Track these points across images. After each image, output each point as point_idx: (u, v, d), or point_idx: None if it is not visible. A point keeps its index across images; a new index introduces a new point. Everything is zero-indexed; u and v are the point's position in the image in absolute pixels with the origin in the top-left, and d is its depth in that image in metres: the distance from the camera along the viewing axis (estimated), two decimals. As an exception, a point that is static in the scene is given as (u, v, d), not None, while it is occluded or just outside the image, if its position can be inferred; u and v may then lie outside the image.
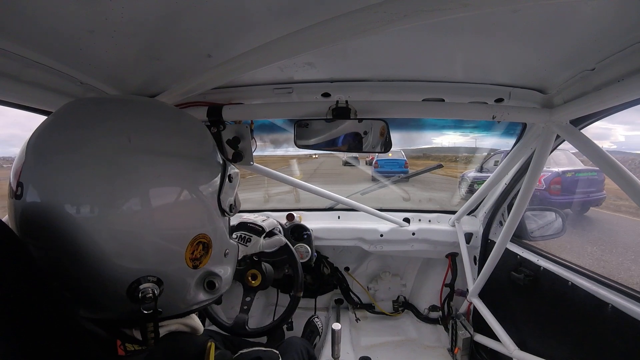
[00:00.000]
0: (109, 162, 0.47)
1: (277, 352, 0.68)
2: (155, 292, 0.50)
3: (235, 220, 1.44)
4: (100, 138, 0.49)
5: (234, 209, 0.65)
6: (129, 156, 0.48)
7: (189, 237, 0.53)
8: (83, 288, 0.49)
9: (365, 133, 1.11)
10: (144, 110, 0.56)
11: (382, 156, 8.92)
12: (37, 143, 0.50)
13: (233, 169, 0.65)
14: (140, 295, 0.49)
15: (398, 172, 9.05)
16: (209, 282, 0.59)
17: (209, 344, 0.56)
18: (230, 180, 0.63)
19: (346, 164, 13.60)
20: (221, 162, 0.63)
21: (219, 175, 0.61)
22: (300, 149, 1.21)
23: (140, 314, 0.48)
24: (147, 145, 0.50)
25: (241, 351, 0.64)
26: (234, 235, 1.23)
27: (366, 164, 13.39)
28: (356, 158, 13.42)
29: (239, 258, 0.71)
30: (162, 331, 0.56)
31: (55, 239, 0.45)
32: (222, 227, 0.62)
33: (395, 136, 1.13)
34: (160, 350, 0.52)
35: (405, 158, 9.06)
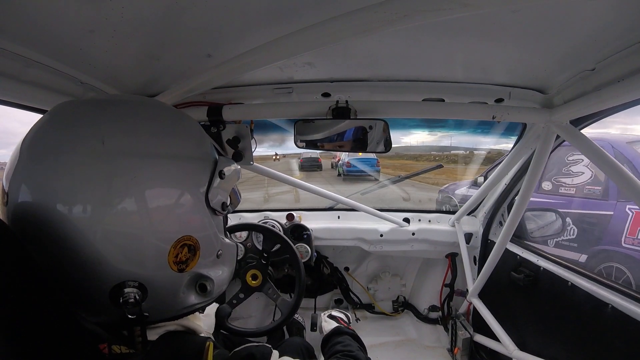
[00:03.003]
0: (83, 164, 0.47)
1: (270, 346, 0.67)
2: (137, 297, 0.48)
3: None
4: (76, 141, 0.48)
5: (227, 207, 0.61)
6: (104, 159, 0.47)
7: (171, 240, 0.51)
8: (71, 290, 0.49)
9: (370, 128, 1.09)
10: (122, 111, 0.54)
11: (353, 155, 8.92)
12: (29, 144, 0.49)
13: (227, 165, 0.61)
14: (122, 300, 0.47)
15: (370, 170, 9.13)
16: (201, 285, 0.57)
17: (208, 343, 0.55)
18: (221, 177, 0.59)
19: (302, 168, 11.96)
20: (210, 158, 0.59)
21: (207, 172, 0.57)
22: (301, 149, 1.21)
23: (126, 318, 0.48)
24: (121, 147, 0.49)
25: (235, 349, 0.63)
26: None
27: (332, 167, 12.21)
28: (317, 160, 12.24)
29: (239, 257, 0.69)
30: (160, 331, 0.56)
31: (39, 240, 0.45)
32: (213, 226, 0.58)
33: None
34: (157, 350, 0.52)
35: (376, 157, 8.91)
